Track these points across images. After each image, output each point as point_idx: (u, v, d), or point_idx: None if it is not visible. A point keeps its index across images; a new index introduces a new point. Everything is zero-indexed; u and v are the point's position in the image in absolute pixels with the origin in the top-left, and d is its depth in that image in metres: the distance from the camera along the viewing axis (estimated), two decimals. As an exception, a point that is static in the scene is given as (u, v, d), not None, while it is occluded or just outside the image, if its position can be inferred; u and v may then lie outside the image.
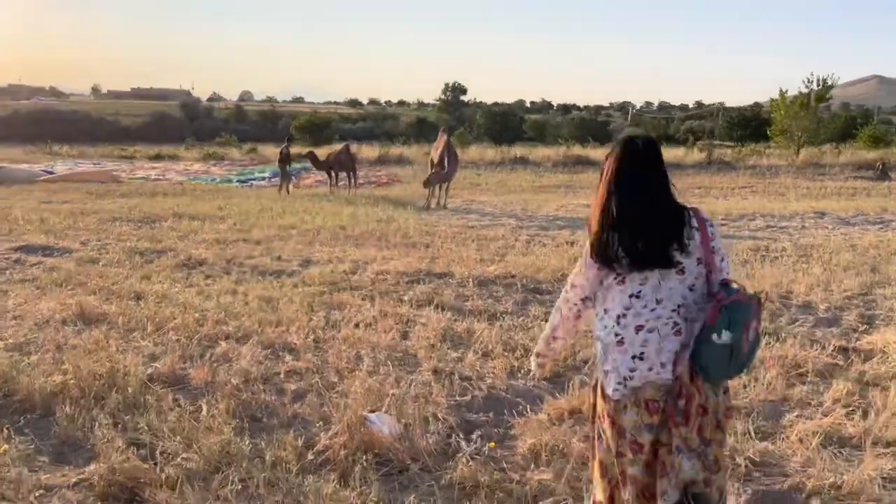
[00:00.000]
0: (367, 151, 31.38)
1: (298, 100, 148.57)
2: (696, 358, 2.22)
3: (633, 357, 2.29)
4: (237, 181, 23.55)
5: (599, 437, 2.47)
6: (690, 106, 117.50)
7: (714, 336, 2.18)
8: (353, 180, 18.47)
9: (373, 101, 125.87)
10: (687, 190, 20.14)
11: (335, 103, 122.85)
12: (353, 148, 23.15)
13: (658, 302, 2.28)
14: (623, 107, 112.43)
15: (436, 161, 15.07)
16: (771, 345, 4.78)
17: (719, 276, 2.30)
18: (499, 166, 28.03)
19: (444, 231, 10.51)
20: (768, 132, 36.44)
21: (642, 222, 2.24)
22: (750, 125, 50.62)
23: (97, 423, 3.56)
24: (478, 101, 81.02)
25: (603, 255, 2.31)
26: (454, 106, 73.80)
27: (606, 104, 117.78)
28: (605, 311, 2.36)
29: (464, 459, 3.23)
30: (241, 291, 6.33)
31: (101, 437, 3.44)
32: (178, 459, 3.21)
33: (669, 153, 30.43)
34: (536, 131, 58.68)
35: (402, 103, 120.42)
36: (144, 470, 3.12)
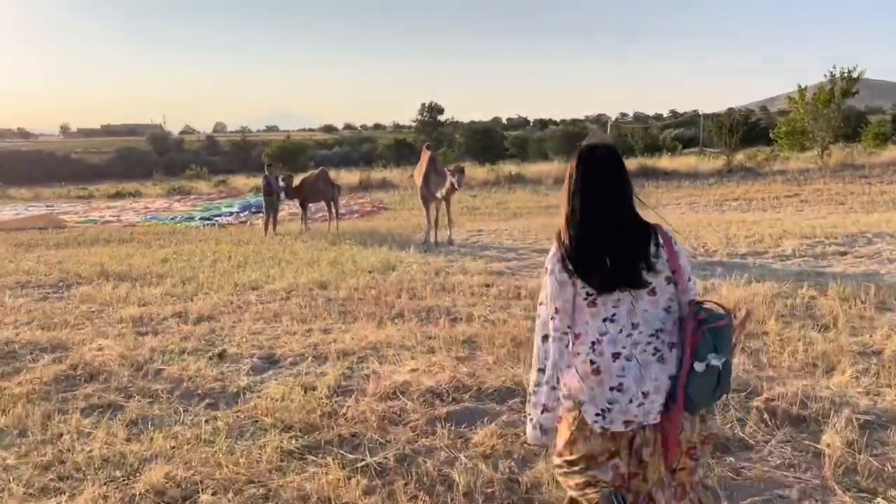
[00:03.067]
0: (347, 177, 28.63)
1: (273, 128, 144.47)
2: (686, 387, 1.99)
3: (612, 388, 2.03)
4: (200, 219, 20.42)
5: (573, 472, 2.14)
6: (665, 115, 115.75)
7: (698, 361, 1.98)
8: (334, 211, 15.09)
9: (348, 126, 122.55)
10: (723, 202, 17.29)
11: (310, 130, 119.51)
12: (332, 174, 19.82)
13: (634, 326, 2.04)
14: (599, 119, 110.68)
15: (419, 183, 12.10)
16: None
17: (686, 296, 2.07)
18: (494, 186, 25.30)
19: (465, 283, 7.50)
20: (772, 135, 34.38)
21: (609, 237, 2.02)
22: (741, 129, 49.20)
23: None
24: (455, 120, 78.31)
25: (579, 268, 2.02)
26: (431, 126, 71.11)
27: (582, 117, 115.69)
28: (577, 336, 2.09)
29: None
30: (125, 470, 3.20)
31: None
32: None
33: (680, 161, 27.69)
34: (519, 147, 56.28)
35: (378, 126, 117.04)
36: None
